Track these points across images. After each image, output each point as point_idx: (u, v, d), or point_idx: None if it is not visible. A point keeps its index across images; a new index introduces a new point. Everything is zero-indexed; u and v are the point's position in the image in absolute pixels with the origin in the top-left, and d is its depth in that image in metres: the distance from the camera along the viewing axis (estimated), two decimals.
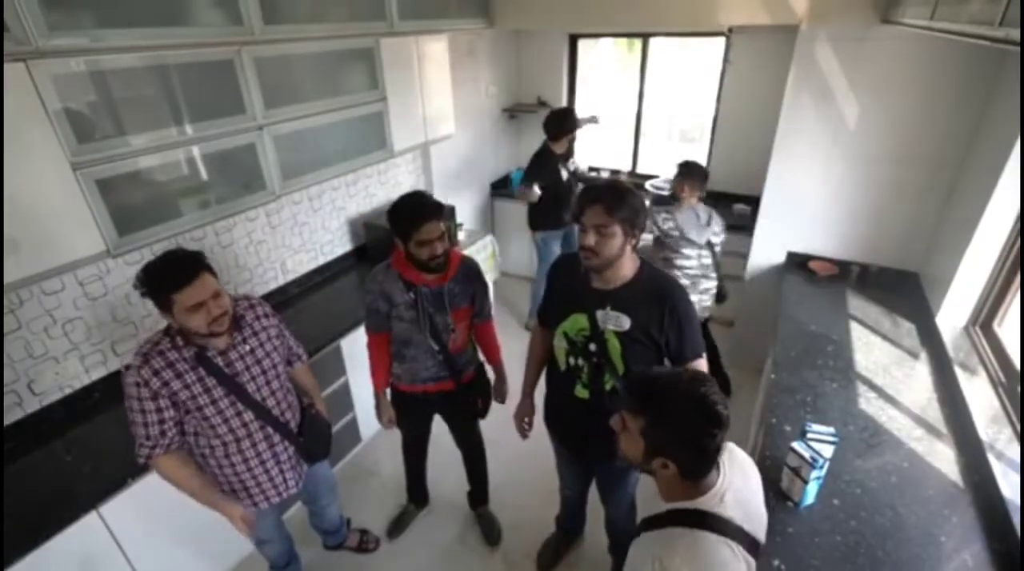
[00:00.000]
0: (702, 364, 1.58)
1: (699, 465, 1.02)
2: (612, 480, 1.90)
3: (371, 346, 2.01)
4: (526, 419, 1.97)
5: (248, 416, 1.61)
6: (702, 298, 2.90)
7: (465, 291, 1.92)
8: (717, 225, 2.84)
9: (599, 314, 1.53)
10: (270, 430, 1.68)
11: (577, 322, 1.58)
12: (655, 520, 1.05)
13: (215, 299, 1.44)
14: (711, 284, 2.91)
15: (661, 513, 1.05)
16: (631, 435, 1.03)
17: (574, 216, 1.49)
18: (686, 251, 2.78)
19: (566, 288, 1.63)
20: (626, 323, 1.50)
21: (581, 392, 1.66)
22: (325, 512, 2.21)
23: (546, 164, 3.51)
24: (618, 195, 1.43)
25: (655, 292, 1.51)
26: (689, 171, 2.80)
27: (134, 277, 1.41)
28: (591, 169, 4.54)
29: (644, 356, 1.55)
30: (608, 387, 1.60)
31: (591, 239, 1.43)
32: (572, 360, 1.65)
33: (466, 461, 2.41)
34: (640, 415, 1.01)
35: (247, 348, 1.60)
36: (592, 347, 1.57)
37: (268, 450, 1.69)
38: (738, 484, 1.06)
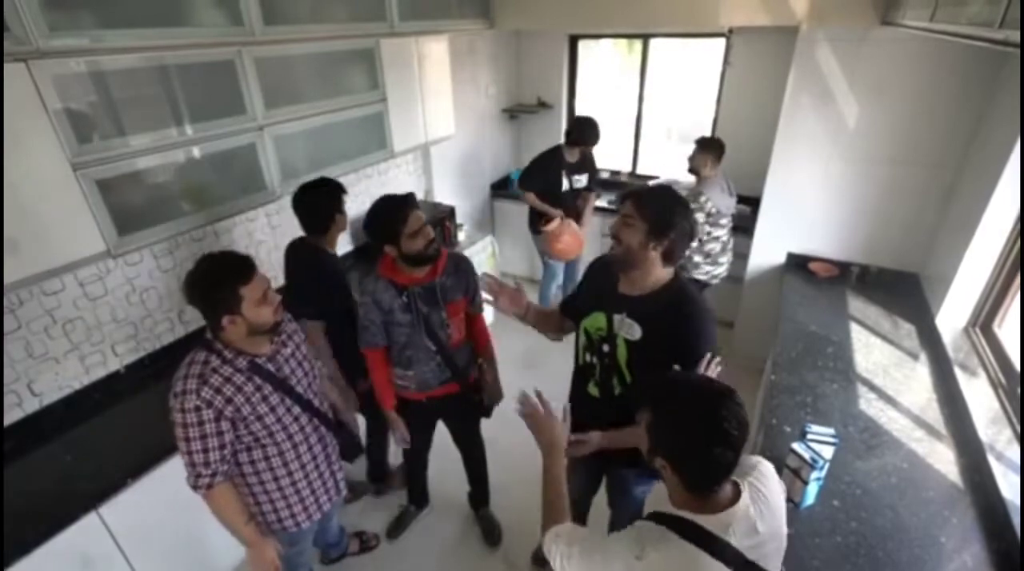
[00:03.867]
0: None
1: (701, 478, 1.00)
2: (622, 485, 1.87)
3: (370, 363, 1.98)
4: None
5: (304, 419, 1.60)
6: (715, 269, 3.10)
7: (458, 284, 1.94)
8: (733, 190, 3.02)
9: (616, 318, 1.53)
10: (323, 429, 1.69)
11: (597, 320, 1.59)
12: (661, 517, 1.03)
13: (271, 290, 1.45)
14: (728, 256, 3.14)
15: (668, 514, 1.03)
16: (642, 429, 1.04)
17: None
18: (723, 222, 2.95)
19: (596, 285, 1.64)
20: (637, 333, 1.49)
21: (593, 390, 1.67)
22: (330, 523, 2.19)
23: (547, 167, 3.41)
24: (653, 196, 1.44)
25: (674, 305, 1.45)
26: (707, 146, 2.90)
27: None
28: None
29: (651, 370, 1.50)
30: (616, 392, 1.60)
31: (616, 225, 1.46)
32: (587, 357, 1.66)
33: (466, 463, 2.41)
34: (649, 411, 1.03)
35: (288, 351, 1.58)
36: (605, 348, 1.58)
37: (322, 452, 1.70)
38: (754, 519, 1.00)
